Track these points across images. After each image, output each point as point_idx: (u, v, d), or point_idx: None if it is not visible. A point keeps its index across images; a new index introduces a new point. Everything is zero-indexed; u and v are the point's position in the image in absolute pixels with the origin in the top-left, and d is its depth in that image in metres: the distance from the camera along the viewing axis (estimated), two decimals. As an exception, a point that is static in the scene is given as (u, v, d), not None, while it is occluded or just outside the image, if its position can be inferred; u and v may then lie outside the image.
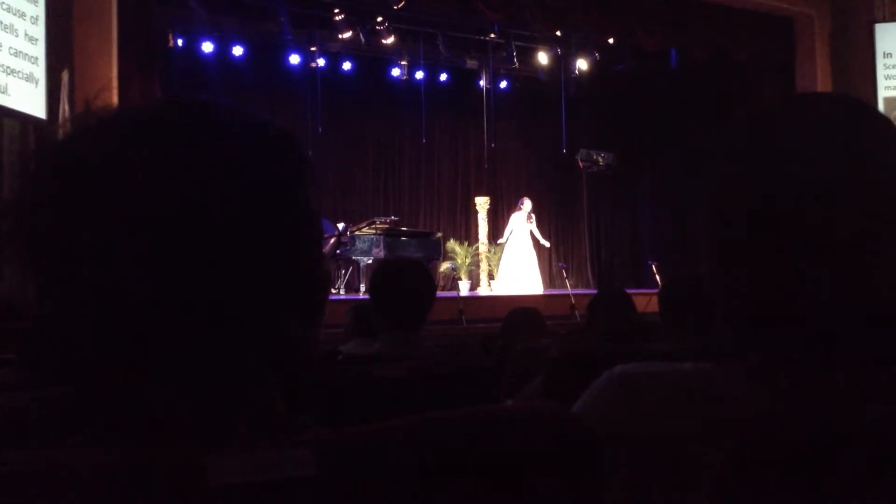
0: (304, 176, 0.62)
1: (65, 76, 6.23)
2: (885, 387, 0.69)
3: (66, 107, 6.20)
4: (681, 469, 0.69)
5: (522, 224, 10.85)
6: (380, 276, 2.52)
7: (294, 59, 11.16)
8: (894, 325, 0.68)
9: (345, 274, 10.70)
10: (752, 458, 0.66)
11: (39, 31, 6.03)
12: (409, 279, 2.46)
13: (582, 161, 7.46)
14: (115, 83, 6.92)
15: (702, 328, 2.35)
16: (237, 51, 10.86)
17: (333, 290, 10.51)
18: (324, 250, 0.70)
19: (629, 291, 3.42)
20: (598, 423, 0.74)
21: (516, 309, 3.55)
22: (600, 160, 7.25)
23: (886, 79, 9.43)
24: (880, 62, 9.40)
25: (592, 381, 0.85)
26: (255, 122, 0.63)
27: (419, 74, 11.88)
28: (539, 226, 11.28)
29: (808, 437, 0.66)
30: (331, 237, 9.85)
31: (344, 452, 0.55)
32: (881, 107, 9.18)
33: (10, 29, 5.66)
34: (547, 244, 11.37)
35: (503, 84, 12.80)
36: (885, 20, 9.32)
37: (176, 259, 0.53)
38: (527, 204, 10.94)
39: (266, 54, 11.16)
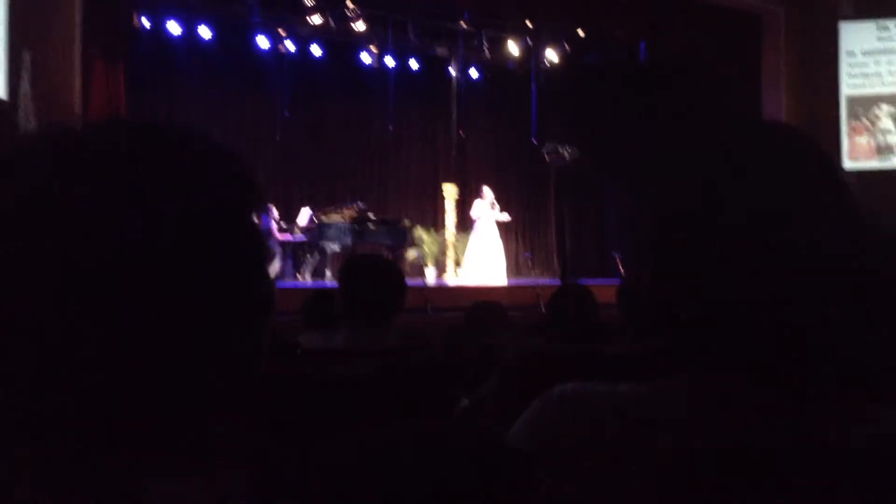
0: (248, 200, 0.63)
1: (26, 56, 6.11)
2: (825, 408, 0.71)
3: (28, 87, 6.08)
4: (617, 493, 0.71)
5: (486, 212, 10.85)
6: (353, 269, 2.52)
7: (262, 42, 11.01)
8: (835, 343, 0.70)
9: (311, 260, 10.66)
10: (686, 485, 0.68)
11: (1, 10, 5.90)
12: (383, 276, 2.46)
13: (548, 154, 7.48)
14: (77, 63, 6.80)
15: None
16: (205, 33, 10.67)
17: (299, 277, 10.47)
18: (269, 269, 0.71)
19: (594, 282, 3.46)
20: (536, 443, 0.76)
21: (478, 303, 3.58)
22: (566, 154, 7.27)
23: (849, 77, 9.60)
24: (844, 61, 9.56)
25: (545, 383, 0.86)
26: (202, 145, 0.63)
27: (389, 61, 11.80)
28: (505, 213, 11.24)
29: (747, 464, 0.68)
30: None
31: (275, 475, 0.56)
32: (843, 105, 9.38)
33: (-31, 7, 5.54)
34: (508, 218, 11.26)
35: (473, 73, 12.78)
36: (850, 18, 9.45)
37: (108, 284, 0.54)
38: (487, 192, 10.91)
39: (234, 37, 10.98)
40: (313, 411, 1.48)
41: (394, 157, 13.01)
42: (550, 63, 11.95)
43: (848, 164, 9.33)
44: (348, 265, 2.62)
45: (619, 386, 0.77)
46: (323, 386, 1.59)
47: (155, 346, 0.55)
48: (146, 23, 10.22)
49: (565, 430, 0.75)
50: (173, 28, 10.49)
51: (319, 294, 3.64)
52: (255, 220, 0.62)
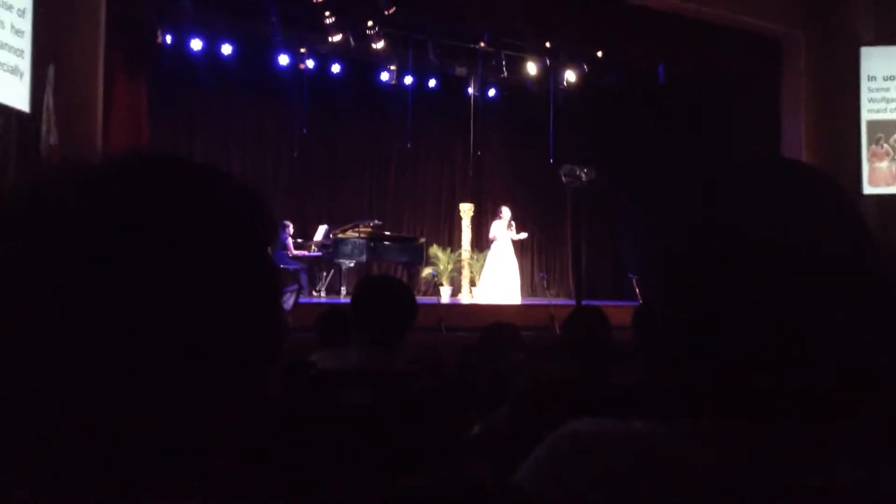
0: (261, 233, 0.63)
1: (50, 70, 6.18)
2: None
3: (51, 101, 6.15)
4: None
5: (503, 232, 10.88)
6: (366, 289, 2.56)
7: (283, 59, 11.14)
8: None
9: (326, 276, 10.70)
10: None
11: (26, 23, 5.98)
12: (395, 297, 2.51)
13: (565, 176, 7.47)
14: (100, 78, 6.88)
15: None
16: (226, 49, 10.83)
17: (315, 293, 10.50)
18: (284, 302, 0.71)
19: (609, 304, 3.45)
20: (548, 483, 0.74)
21: (492, 325, 3.58)
22: (583, 176, 7.26)
23: (870, 101, 9.53)
24: (864, 85, 9.50)
25: (559, 409, 0.85)
26: (217, 180, 0.64)
27: (408, 80, 11.88)
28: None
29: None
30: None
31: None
32: (864, 130, 9.32)
33: (-4, 21, 5.62)
34: (525, 236, 11.29)
35: (491, 92, 12.84)
36: (871, 44, 9.42)
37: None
38: (505, 212, 10.98)
39: (255, 54, 11.14)
40: (321, 436, 1.48)
41: (411, 175, 13.07)
42: (569, 84, 12.00)
43: (868, 189, 9.25)
44: (362, 285, 2.65)
45: (633, 423, 0.76)
46: (333, 410, 1.58)
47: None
48: (169, 39, 10.37)
49: (578, 470, 0.73)
50: (195, 45, 10.63)
51: (333, 311, 3.67)
52: (266, 252, 0.63)
